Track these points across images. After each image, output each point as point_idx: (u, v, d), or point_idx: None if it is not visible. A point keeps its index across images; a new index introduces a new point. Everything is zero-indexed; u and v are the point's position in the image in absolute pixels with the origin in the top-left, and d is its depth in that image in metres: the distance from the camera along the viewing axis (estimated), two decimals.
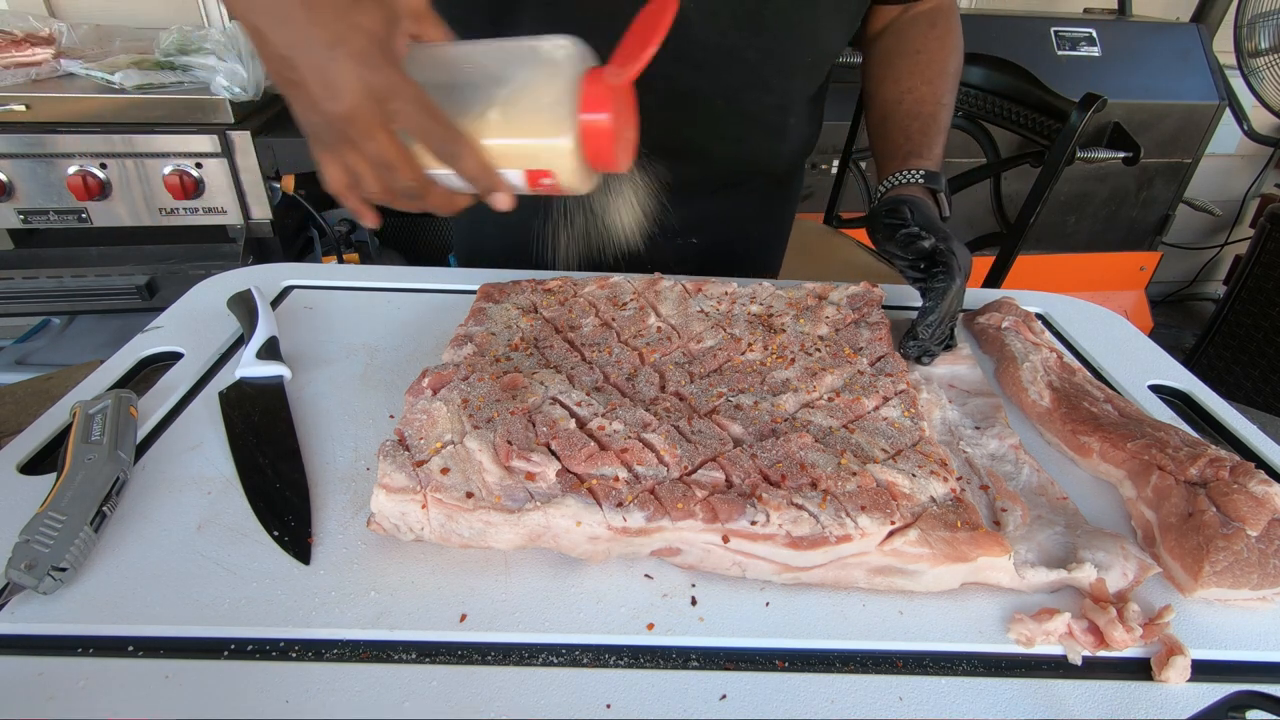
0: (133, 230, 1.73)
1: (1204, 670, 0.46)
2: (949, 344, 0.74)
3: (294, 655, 0.43)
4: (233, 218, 1.75)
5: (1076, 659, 0.46)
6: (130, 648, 0.43)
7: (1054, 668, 0.46)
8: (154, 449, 0.59)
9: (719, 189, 0.99)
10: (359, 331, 0.77)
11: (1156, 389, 0.76)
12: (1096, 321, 0.89)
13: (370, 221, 0.55)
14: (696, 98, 0.86)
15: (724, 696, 0.43)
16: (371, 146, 0.46)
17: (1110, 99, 1.20)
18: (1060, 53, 2.09)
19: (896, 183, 0.86)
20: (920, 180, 0.85)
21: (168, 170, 1.64)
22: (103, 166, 1.62)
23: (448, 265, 1.07)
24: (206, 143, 1.65)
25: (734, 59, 0.83)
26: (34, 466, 0.57)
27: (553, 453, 0.52)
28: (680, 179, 0.92)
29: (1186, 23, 2.29)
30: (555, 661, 0.44)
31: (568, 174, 0.51)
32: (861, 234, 1.80)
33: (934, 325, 0.70)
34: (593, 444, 0.52)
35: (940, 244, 0.74)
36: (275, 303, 0.82)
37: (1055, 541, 0.52)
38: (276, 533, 0.51)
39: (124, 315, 1.79)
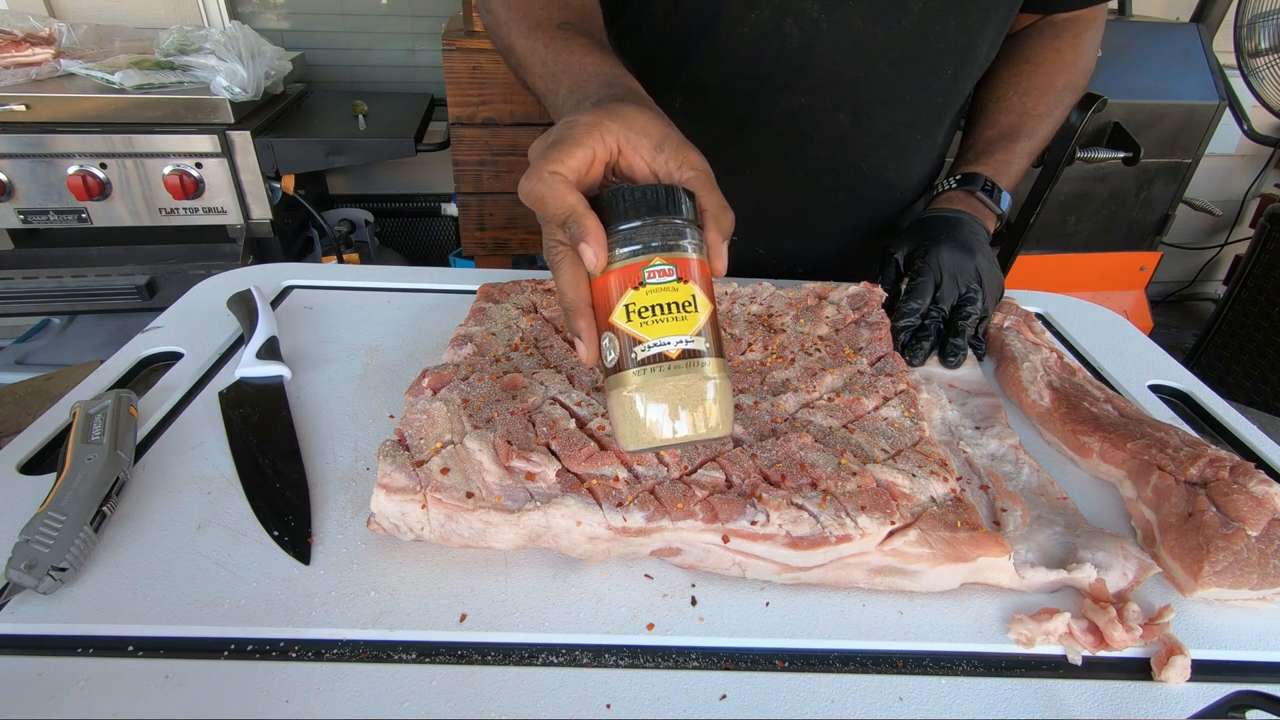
0: (133, 230, 1.73)
1: (1204, 670, 0.46)
2: (959, 347, 0.72)
3: (294, 655, 0.43)
4: (233, 218, 1.75)
5: (1076, 659, 0.46)
6: (130, 648, 0.43)
7: (1054, 668, 0.46)
8: (154, 449, 0.59)
9: (833, 209, 0.92)
10: (359, 331, 0.77)
11: (1156, 389, 0.76)
12: (1096, 321, 0.89)
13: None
14: (819, 110, 0.81)
15: (724, 696, 0.43)
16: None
17: (1110, 99, 1.20)
18: None
19: (933, 195, 0.84)
20: (955, 185, 0.83)
21: (168, 170, 1.65)
22: (103, 166, 1.62)
23: (448, 265, 1.07)
24: (206, 143, 1.65)
25: (861, 72, 0.78)
26: (34, 466, 0.57)
27: (553, 453, 0.52)
28: (791, 195, 0.89)
29: (1186, 23, 2.29)
30: (555, 661, 0.44)
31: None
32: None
33: (912, 322, 0.71)
34: (593, 444, 0.52)
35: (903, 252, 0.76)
36: (275, 303, 0.82)
37: (1055, 541, 0.52)
38: (276, 533, 0.51)
39: (124, 315, 1.80)
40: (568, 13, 0.64)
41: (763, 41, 0.76)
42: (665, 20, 0.80)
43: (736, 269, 0.83)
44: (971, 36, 0.79)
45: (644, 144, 0.47)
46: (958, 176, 0.83)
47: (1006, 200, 0.82)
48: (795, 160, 0.86)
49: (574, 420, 0.55)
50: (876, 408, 0.61)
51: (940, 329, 0.73)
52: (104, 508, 0.50)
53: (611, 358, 0.43)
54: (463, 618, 0.46)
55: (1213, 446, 0.58)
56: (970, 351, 0.73)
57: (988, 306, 0.75)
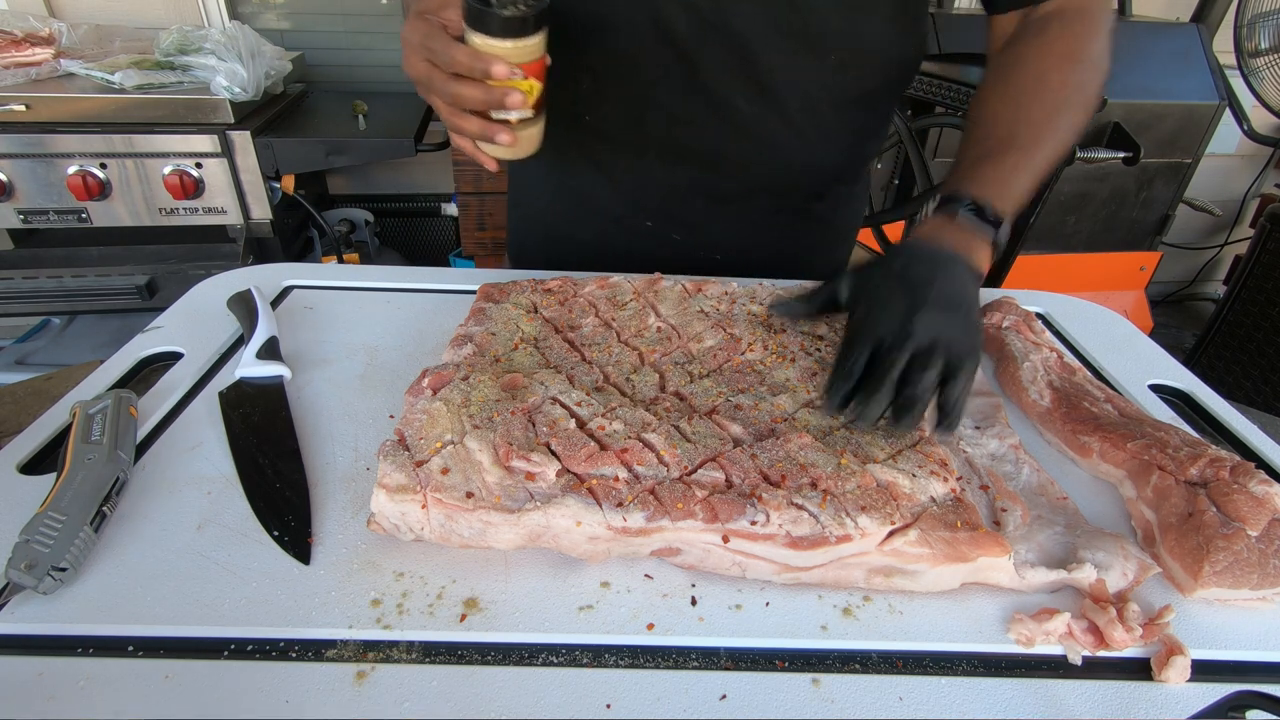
0: (133, 230, 1.73)
1: (1204, 670, 0.46)
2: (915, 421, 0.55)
3: (294, 655, 0.43)
4: (233, 218, 1.75)
5: (1076, 659, 0.46)
6: (130, 648, 0.43)
7: (1054, 668, 0.46)
8: (154, 449, 0.59)
9: (744, 195, 0.90)
10: (359, 331, 0.77)
11: (1156, 389, 0.76)
12: (1096, 321, 0.89)
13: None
14: (711, 96, 0.81)
15: (724, 696, 0.43)
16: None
17: (1110, 99, 1.19)
18: None
19: (920, 221, 0.78)
20: (933, 212, 0.71)
21: (168, 170, 1.65)
22: (103, 166, 1.62)
23: (448, 265, 1.07)
24: (206, 143, 1.65)
25: (752, 55, 0.77)
26: (34, 466, 0.57)
27: (553, 453, 0.52)
28: (701, 180, 0.90)
29: (1186, 23, 2.29)
30: (555, 661, 0.44)
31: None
32: (862, 234, 1.80)
33: (836, 392, 0.56)
34: (593, 444, 0.52)
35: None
36: (275, 303, 0.82)
37: (1055, 541, 0.52)
38: (276, 533, 0.51)
39: (124, 315, 1.80)
40: None
41: (654, 25, 0.77)
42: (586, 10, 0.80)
43: (659, 261, 0.86)
44: (855, 24, 0.77)
45: None
46: (937, 202, 0.70)
47: (995, 224, 0.66)
48: (698, 145, 0.86)
49: (574, 420, 0.55)
50: None
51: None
52: (104, 508, 0.50)
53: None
54: (463, 618, 0.46)
55: (1213, 446, 0.58)
56: (939, 417, 0.57)
57: (953, 368, 0.56)
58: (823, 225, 0.98)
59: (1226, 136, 2.46)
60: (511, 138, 0.65)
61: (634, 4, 0.77)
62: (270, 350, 0.69)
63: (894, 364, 0.55)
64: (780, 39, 0.77)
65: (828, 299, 0.66)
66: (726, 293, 0.76)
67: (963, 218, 0.65)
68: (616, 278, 0.78)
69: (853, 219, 1.03)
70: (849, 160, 0.94)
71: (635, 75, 0.82)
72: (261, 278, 0.86)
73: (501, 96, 0.62)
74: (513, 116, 0.64)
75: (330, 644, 0.44)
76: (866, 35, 0.79)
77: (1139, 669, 0.46)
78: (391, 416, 0.64)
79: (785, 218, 0.95)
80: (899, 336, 0.56)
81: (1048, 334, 0.80)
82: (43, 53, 1.71)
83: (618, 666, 0.44)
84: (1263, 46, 2.17)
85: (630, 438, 0.53)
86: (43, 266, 1.72)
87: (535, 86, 0.64)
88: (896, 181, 2.50)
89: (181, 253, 1.79)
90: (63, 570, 0.45)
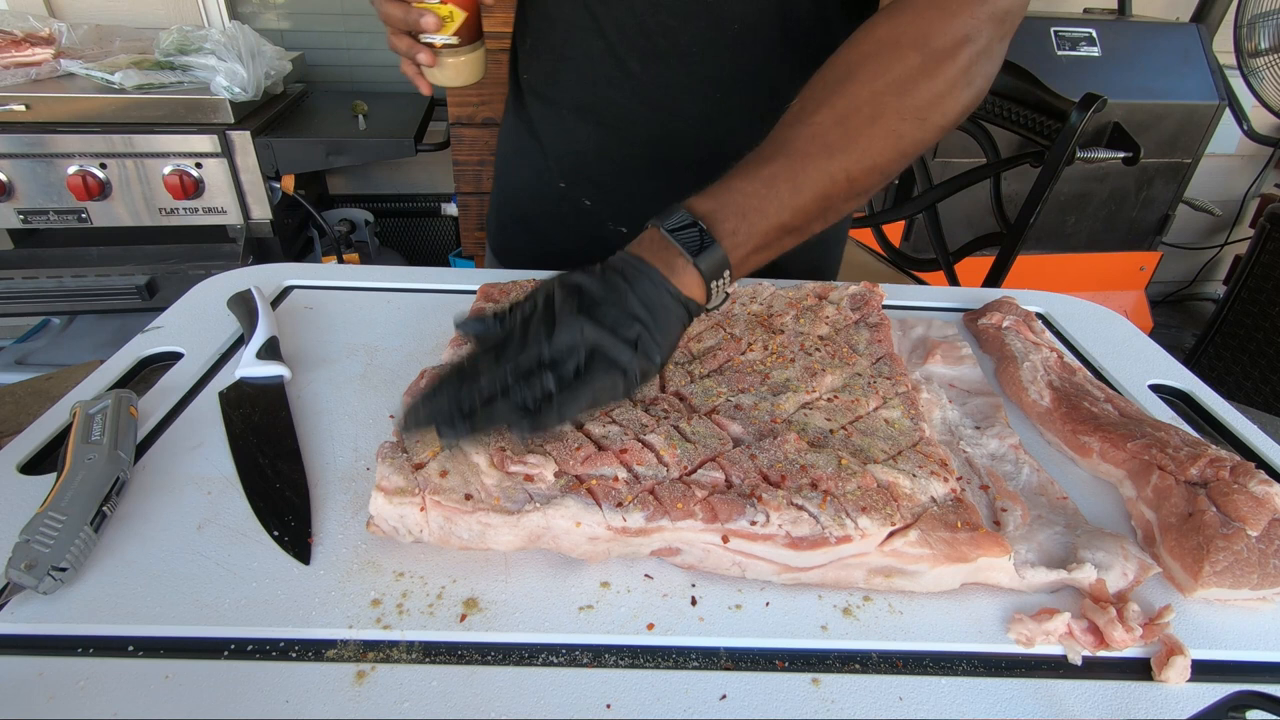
0: (133, 230, 1.73)
1: (1204, 670, 0.46)
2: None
3: (294, 655, 0.43)
4: (233, 218, 1.75)
5: (1076, 659, 0.46)
6: (130, 648, 0.43)
7: (1054, 668, 0.46)
8: (154, 449, 0.59)
9: (682, 170, 0.71)
10: (359, 331, 0.77)
11: (1156, 389, 0.76)
12: (1096, 321, 0.89)
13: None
14: (630, 66, 0.79)
15: (724, 696, 0.43)
16: None
17: (1110, 99, 1.20)
18: (1060, 53, 2.09)
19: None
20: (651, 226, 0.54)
21: (168, 170, 1.65)
22: (103, 166, 1.62)
23: (448, 265, 1.07)
24: (206, 143, 1.65)
25: (654, 23, 0.75)
26: (34, 466, 0.57)
27: (549, 455, 0.52)
28: (638, 154, 0.85)
29: (1186, 23, 2.29)
30: (555, 661, 0.44)
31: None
32: (862, 234, 1.80)
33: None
34: (588, 445, 0.52)
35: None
36: (275, 303, 0.82)
37: (1055, 541, 0.52)
38: (276, 533, 0.51)
39: (124, 315, 1.80)
40: None
41: (603, 12, 0.78)
42: None
43: (594, 239, 0.84)
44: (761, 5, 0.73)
45: None
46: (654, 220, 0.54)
47: (709, 255, 0.51)
48: (628, 117, 0.84)
49: (570, 421, 0.55)
50: (876, 408, 0.61)
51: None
52: (104, 508, 0.50)
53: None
54: (462, 618, 0.46)
55: (1213, 446, 0.58)
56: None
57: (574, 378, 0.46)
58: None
59: (1226, 136, 2.46)
60: (430, 58, 0.72)
61: None
62: (270, 350, 0.69)
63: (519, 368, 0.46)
64: (679, 7, 0.75)
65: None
66: (727, 293, 0.76)
67: (667, 234, 0.51)
68: None
69: (839, 225, 1.00)
70: None
71: (553, 31, 0.83)
72: (261, 278, 0.86)
73: (417, 18, 0.68)
74: (436, 40, 0.70)
75: (330, 644, 0.44)
76: (766, 6, 0.72)
77: (1139, 669, 0.46)
78: (391, 416, 0.64)
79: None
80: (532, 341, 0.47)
81: (1048, 334, 0.80)
82: (43, 53, 1.71)
83: (618, 666, 0.44)
84: (1263, 46, 2.17)
85: (629, 438, 0.53)
86: (43, 266, 1.72)
87: (455, 13, 0.69)
88: (896, 181, 2.50)
89: (181, 253, 1.79)
90: (63, 570, 0.45)
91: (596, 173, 0.89)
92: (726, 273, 0.53)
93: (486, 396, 0.46)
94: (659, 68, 0.79)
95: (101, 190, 1.63)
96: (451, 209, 2.31)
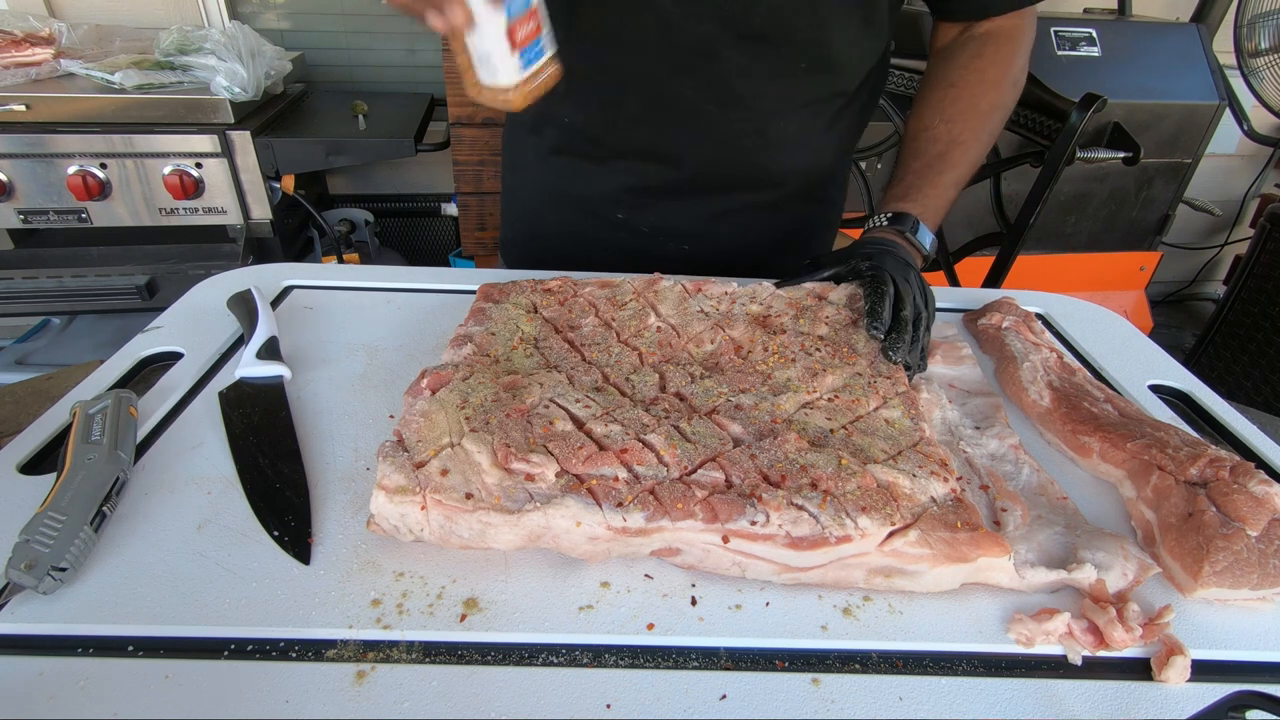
0: (133, 230, 1.73)
1: (1204, 670, 0.46)
2: (920, 358, 0.69)
3: (294, 655, 0.43)
4: (233, 218, 1.75)
5: (1076, 659, 0.46)
6: (130, 648, 0.43)
7: (1054, 668, 0.46)
8: (154, 449, 0.59)
9: (706, 195, 0.94)
10: (359, 331, 0.77)
11: (1156, 389, 0.76)
12: (1096, 321, 0.89)
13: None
14: (678, 100, 0.84)
15: (724, 696, 0.43)
16: None
17: (1110, 99, 1.20)
18: (1060, 53, 2.09)
19: (870, 226, 0.84)
20: (886, 223, 0.83)
21: (168, 170, 1.65)
22: (103, 166, 1.62)
23: (448, 265, 1.08)
24: (206, 143, 1.65)
25: (717, 61, 0.81)
26: (34, 466, 0.57)
27: (551, 454, 0.52)
28: (668, 182, 0.92)
29: (1186, 23, 2.29)
30: (555, 661, 0.44)
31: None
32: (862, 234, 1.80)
33: (886, 329, 0.68)
34: (590, 444, 0.52)
35: (854, 265, 0.76)
36: (275, 303, 0.82)
37: (1055, 541, 0.52)
38: (276, 533, 0.51)
39: (124, 315, 1.80)
40: None
41: (623, 31, 0.80)
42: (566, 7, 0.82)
43: (631, 250, 0.89)
44: (823, 33, 0.80)
45: None
46: (889, 215, 0.83)
47: (928, 240, 0.83)
48: (673, 146, 0.88)
49: (572, 421, 0.55)
50: (876, 408, 0.61)
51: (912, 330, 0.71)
52: (104, 508, 0.50)
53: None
54: (462, 618, 0.46)
55: (1213, 446, 0.58)
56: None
57: (931, 318, 0.73)
58: (796, 222, 1.00)
59: (1226, 136, 2.46)
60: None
61: (600, 9, 0.79)
62: (270, 350, 0.69)
63: (918, 318, 0.71)
64: (746, 44, 0.79)
65: (845, 274, 0.77)
66: (726, 293, 0.76)
67: (909, 235, 0.82)
68: (616, 278, 0.78)
69: (827, 216, 1.05)
70: (820, 159, 0.96)
71: (604, 77, 0.84)
72: (261, 278, 0.86)
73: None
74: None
75: (330, 644, 0.44)
76: (835, 38, 0.81)
77: (1139, 669, 0.46)
78: (391, 416, 0.64)
79: (751, 214, 0.97)
80: (912, 287, 0.73)
81: (1048, 334, 0.80)
82: (43, 53, 1.71)
83: (618, 666, 0.44)
84: (1263, 46, 2.17)
85: (630, 438, 0.53)
86: (43, 266, 1.72)
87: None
88: None
89: (181, 253, 1.79)
90: (63, 570, 0.45)
91: (658, 202, 0.94)
92: (931, 238, 0.85)
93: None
94: (725, 111, 0.85)
95: (101, 190, 1.63)
96: (451, 209, 2.31)
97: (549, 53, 0.62)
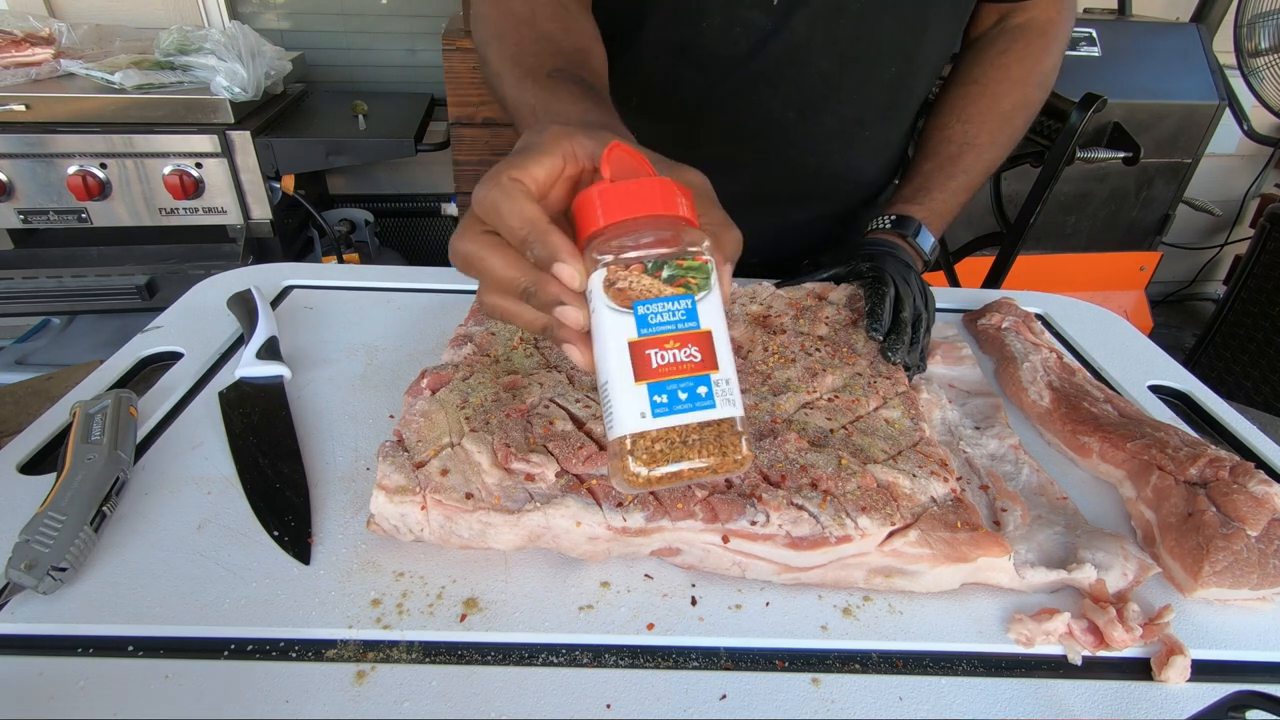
0: (133, 230, 1.73)
1: (1204, 670, 0.46)
2: (920, 359, 0.69)
3: (294, 655, 0.43)
4: (233, 218, 1.75)
5: (1076, 659, 0.46)
6: (130, 648, 0.43)
7: (1054, 668, 0.46)
8: (154, 449, 0.59)
9: (778, 205, 0.93)
10: (359, 331, 0.77)
11: (1156, 389, 0.76)
12: (1096, 321, 0.89)
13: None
14: (757, 111, 0.83)
15: (724, 696, 0.43)
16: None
17: (1110, 99, 1.20)
18: None
19: (873, 228, 0.83)
20: (889, 225, 0.81)
21: (168, 170, 1.65)
22: (103, 166, 1.62)
23: (448, 265, 1.08)
24: (206, 143, 1.65)
25: (805, 67, 0.79)
26: (34, 466, 0.57)
27: (551, 454, 0.52)
28: (738, 193, 0.91)
29: (1186, 23, 2.29)
30: (555, 661, 0.44)
31: None
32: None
33: (886, 330, 0.67)
34: (591, 444, 0.52)
35: (854, 267, 0.75)
36: (275, 303, 0.82)
37: (1055, 541, 0.52)
38: (276, 533, 0.51)
39: (124, 315, 1.80)
40: (559, 59, 0.63)
41: (715, 47, 0.79)
42: (627, 26, 0.81)
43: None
44: (914, 35, 0.79)
45: None
46: (892, 218, 0.81)
47: (929, 244, 0.82)
48: (745, 158, 0.88)
49: (572, 421, 0.55)
50: (876, 408, 0.61)
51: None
52: (104, 508, 0.50)
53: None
54: (462, 618, 0.46)
55: (1213, 446, 0.58)
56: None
57: (931, 320, 0.73)
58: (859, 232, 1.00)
59: (1226, 136, 2.46)
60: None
61: (688, 20, 0.78)
62: (270, 350, 0.69)
63: (918, 319, 0.70)
64: (836, 54, 0.78)
65: (845, 274, 0.77)
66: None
67: (911, 239, 0.81)
68: None
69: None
70: (894, 165, 0.96)
71: (682, 93, 0.83)
72: (261, 278, 0.86)
73: None
74: None
75: (330, 644, 0.44)
76: (924, 45, 0.81)
77: (1139, 669, 0.46)
78: (391, 416, 0.64)
79: (824, 225, 0.96)
80: (912, 288, 0.72)
81: (1047, 335, 0.80)
82: (43, 53, 1.71)
83: (618, 666, 0.44)
84: (1263, 46, 2.17)
85: None
86: (43, 266, 1.72)
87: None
88: (896, 181, 2.50)
89: (181, 253, 1.79)
90: (63, 570, 0.45)
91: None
92: (932, 243, 0.84)
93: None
94: (811, 119, 0.84)
95: (101, 190, 1.63)
96: (451, 209, 2.31)
97: (720, 413, 0.37)
